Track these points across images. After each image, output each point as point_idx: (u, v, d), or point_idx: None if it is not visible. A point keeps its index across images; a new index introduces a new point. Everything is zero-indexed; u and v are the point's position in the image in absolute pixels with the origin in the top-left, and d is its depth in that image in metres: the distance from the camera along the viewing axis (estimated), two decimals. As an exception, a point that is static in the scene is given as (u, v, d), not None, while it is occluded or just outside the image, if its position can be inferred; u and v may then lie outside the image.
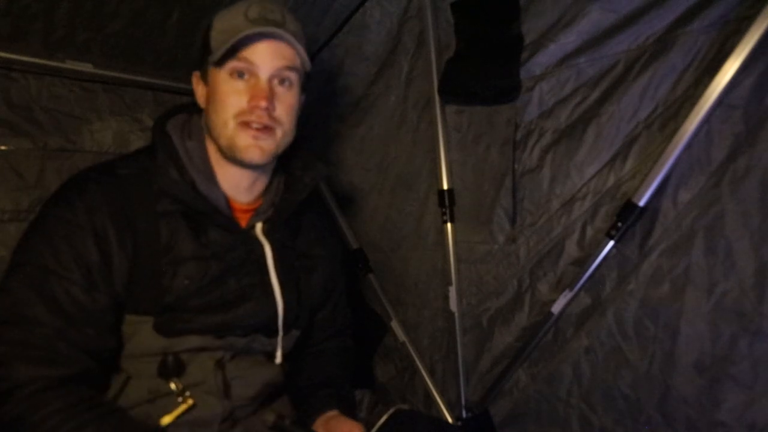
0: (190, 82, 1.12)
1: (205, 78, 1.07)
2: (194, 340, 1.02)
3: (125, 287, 0.96)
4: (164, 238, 0.99)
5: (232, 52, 1.00)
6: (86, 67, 1.40)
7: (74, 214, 0.94)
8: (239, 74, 1.01)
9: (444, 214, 1.74)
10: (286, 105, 1.05)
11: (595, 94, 1.42)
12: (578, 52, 1.43)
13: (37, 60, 1.31)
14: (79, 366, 0.91)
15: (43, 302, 0.89)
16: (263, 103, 0.99)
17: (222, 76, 1.02)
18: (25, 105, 1.34)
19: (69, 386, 0.89)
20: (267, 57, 1.01)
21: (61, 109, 1.40)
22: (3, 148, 1.30)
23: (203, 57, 1.07)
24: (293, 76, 1.05)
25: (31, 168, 1.34)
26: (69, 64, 1.36)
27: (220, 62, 1.01)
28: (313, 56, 1.94)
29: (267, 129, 1.02)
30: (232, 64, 1.01)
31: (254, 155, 1.02)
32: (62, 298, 0.90)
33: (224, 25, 1.02)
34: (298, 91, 1.09)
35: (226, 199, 1.08)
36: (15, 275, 0.92)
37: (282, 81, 1.04)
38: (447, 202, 1.73)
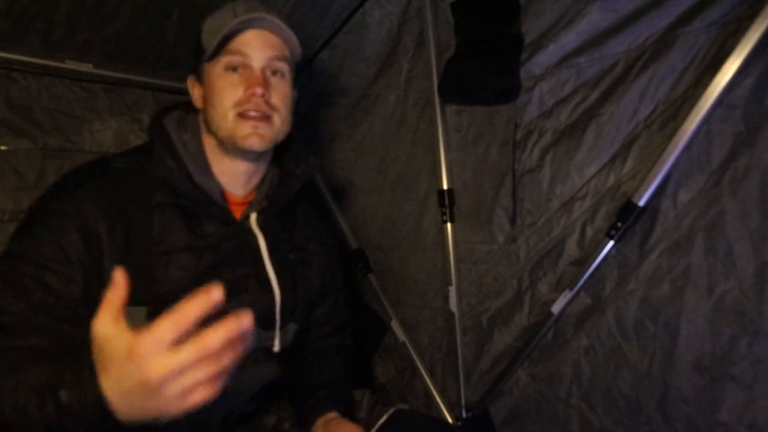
0: (189, 83, 1.13)
1: (200, 79, 1.10)
2: None
3: None
4: (157, 230, 1.00)
5: (223, 44, 1.03)
6: (86, 67, 1.40)
7: (62, 204, 0.94)
8: (233, 68, 1.05)
9: (444, 214, 1.74)
10: (281, 94, 1.08)
11: (595, 94, 1.42)
12: (578, 52, 1.43)
13: (37, 60, 1.31)
14: (39, 344, 0.86)
15: (12, 292, 0.87)
16: (259, 90, 1.02)
17: (217, 72, 1.05)
18: (25, 105, 1.34)
19: (17, 351, 0.83)
20: (257, 46, 1.05)
21: (61, 109, 1.40)
22: (3, 148, 1.30)
23: (197, 59, 1.10)
24: (284, 67, 1.09)
25: (31, 168, 1.34)
26: (69, 64, 1.36)
27: (213, 57, 1.04)
28: (313, 56, 1.95)
29: (265, 118, 1.05)
30: (225, 58, 1.04)
31: (254, 142, 1.04)
32: (32, 285, 0.88)
33: (214, 25, 1.06)
34: (291, 83, 1.12)
35: (221, 192, 1.09)
36: None
37: (274, 72, 1.08)
38: (447, 202, 1.73)
